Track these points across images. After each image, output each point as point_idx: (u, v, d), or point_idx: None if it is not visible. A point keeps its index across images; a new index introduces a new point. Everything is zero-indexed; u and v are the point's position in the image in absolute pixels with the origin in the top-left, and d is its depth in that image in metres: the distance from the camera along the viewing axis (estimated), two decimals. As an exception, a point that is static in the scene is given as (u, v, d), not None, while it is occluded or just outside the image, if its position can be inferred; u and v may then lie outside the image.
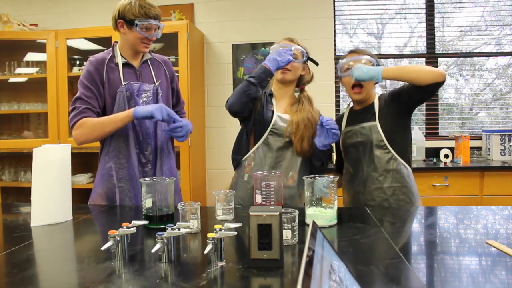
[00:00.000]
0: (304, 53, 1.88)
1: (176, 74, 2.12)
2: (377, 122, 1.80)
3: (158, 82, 1.88)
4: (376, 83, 1.92)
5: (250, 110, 1.81)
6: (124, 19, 1.76)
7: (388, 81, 3.50)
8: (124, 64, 1.83)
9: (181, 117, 1.84)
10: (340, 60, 1.90)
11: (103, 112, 1.82)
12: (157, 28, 1.80)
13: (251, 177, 1.78)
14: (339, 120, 2.00)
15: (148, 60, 1.90)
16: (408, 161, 1.82)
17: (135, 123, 1.80)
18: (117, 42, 1.88)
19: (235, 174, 1.90)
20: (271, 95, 1.91)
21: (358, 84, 1.81)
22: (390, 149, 1.78)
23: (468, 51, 3.68)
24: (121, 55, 1.84)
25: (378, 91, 2.11)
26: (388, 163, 1.78)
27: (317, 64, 1.93)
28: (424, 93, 1.70)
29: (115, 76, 1.80)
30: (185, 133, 1.79)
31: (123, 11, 1.75)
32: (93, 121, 1.74)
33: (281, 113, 1.85)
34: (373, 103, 1.86)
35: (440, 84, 1.65)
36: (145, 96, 1.83)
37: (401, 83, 1.80)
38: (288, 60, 1.77)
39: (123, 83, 1.79)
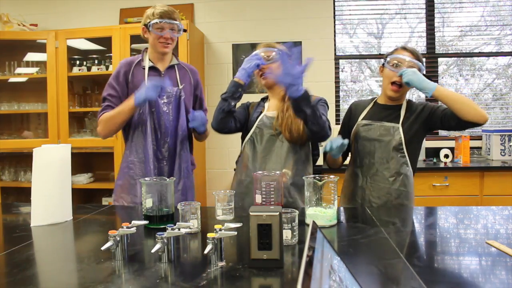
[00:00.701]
0: (278, 52, 1.81)
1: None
2: (399, 125, 1.82)
3: (182, 86, 1.98)
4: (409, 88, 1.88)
5: (234, 122, 1.85)
6: (145, 25, 1.92)
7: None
8: (150, 68, 1.95)
9: None
10: (390, 53, 1.84)
11: None
12: (173, 28, 1.90)
13: (248, 175, 1.80)
14: (359, 106, 1.96)
15: (175, 66, 2.02)
16: (415, 169, 1.86)
17: (155, 122, 1.91)
18: (147, 48, 2.01)
19: (233, 178, 1.93)
20: (265, 98, 1.96)
21: (399, 84, 1.79)
22: (406, 154, 1.81)
23: (468, 51, 3.68)
24: (149, 60, 1.97)
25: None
26: (401, 167, 1.80)
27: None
28: (458, 125, 1.72)
29: (140, 78, 1.93)
30: (200, 123, 1.89)
31: (145, 19, 1.92)
32: (107, 115, 1.89)
33: (269, 112, 1.88)
34: (400, 105, 1.86)
35: (478, 125, 1.69)
36: (166, 97, 1.93)
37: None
38: (255, 65, 1.76)
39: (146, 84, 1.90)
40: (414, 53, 1.81)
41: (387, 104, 1.88)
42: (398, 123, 1.82)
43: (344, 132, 1.97)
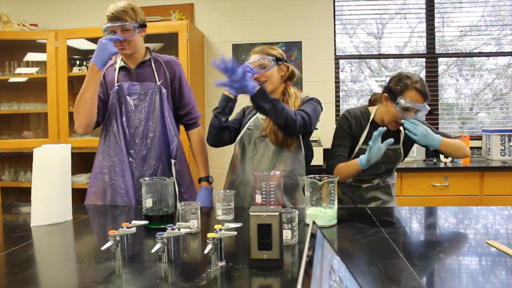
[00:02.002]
0: (272, 59, 1.79)
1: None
2: (400, 146, 1.88)
3: (160, 82, 1.89)
4: None
5: (229, 134, 1.87)
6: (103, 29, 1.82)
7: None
8: (121, 68, 1.92)
9: (190, 122, 2.01)
10: (402, 91, 1.73)
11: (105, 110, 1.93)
12: (127, 29, 1.77)
13: (237, 175, 1.84)
14: (357, 125, 1.90)
15: (151, 60, 1.92)
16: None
17: (123, 122, 1.86)
18: None
19: (225, 180, 1.94)
20: None
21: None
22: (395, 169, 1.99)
23: (468, 51, 3.68)
24: (122, 60, 1.93)
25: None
26: (394, 177, 1.99)
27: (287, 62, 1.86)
28: (438, 153, 1.86)
29: (112, 77, 1.91)
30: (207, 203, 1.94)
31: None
32: (75, 103, 1.82)
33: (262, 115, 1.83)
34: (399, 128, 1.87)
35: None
36: (136, 95, 1.87)
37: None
38: (239, 77, 1.62)
39: (116, 84, 1.89)
40: (425, 96, 1.75)
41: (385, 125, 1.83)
42: (399, 143, 1.88)
43: (346, 143, 1.89)
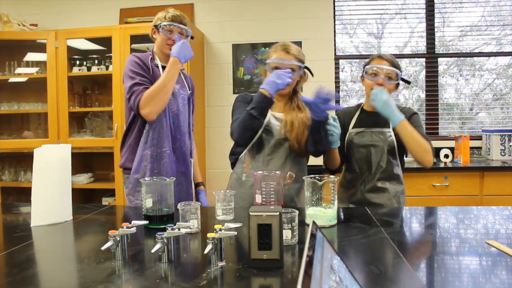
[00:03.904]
0: (301, 65, 1.83)
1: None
2: (391, 129, 1.87)
3: (190, 91, 2.07)
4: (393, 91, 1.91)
5: None
6: (155, 26, 1.95)
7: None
8: (162, 67, 1.96)
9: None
10: (368, 63, 1.90)
11: None
12: (181, 33, 1.94)
13: (250, 176, 1.79)
14: (347, 114, 1.99)
15: (180, 70, 2.01)
16: (403, 169, 1.95)
17: (170, 118, 1.92)
18: (152, 48, 2.02)
19: (232, 174, 1.91)
20: None
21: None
22: (397, 156, 1.89)
23: (468, 51, 3.68)
24: (159, 60, 1.99)
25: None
26: (394, 168, 1.88)
27: (312, 74, 1.91)
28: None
29: (157, 74, 1.92)
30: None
31: (156, 20, 1.95)
32: (152, 91, 1.81)
33: (275, 112, 1.86)
34: None
35: (422, 165, 1.79)
36: (181, 98, 1.98)
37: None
38: (287, 83, 1.73)
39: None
40: (390, 61, 1.85)
41: (375, 111, 1.84)
42: (389, 127, 1.88)
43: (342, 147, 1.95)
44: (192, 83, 2.14)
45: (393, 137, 1.86)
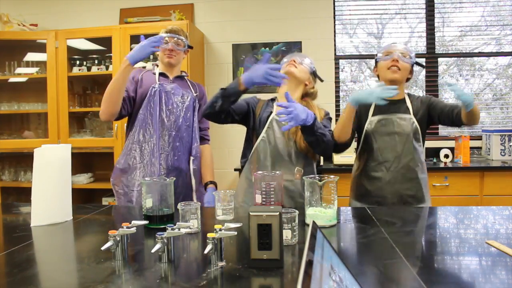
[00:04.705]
0: (312, 68, 1.99)
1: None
2: (412, 116, 1.87)
3: (196, 95, 2.12)
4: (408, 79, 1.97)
5: (225, 117, 1.79)
6: None
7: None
8: (160, 74, 2.08)
9: (205, 138, 2.22)
10: (381, 50, 1.94)
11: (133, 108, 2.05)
12: (178, 44, 2.06)
13: None
14: (363, 106, 1.91)
15: (184, 77, 2.16)
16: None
17: (163, 114, 2.00)
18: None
19: (241, 174, 1.94)
20: (273, 99, 1.97)
21: (396, 66, 1.85)
22: (422, 143, 1.90)
23: (468, 51, 3.68)
24: (160, 69, 2.12)
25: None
26: (421, 156, 1.89)
27: (321, 80, 2.07)
28: (453, 124, 1.84)
29: (150, 80, 2.04)
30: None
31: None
32: (105, 92, 1.91)
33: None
34: (404, 98, 1.92)
35: (468, 126, 1.81)
36: (181, 97, 2.05)
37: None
38: (265, 79, 1.66)
39: (157, 82, 2.03)
40: (403, 45, 1.92)
41: (392, 99, 1.83)
42: (410, 114, 1.88)
43: (360, 134, 1.96)
44: (202, 91, 2.21)
45: (417, 124, 1.86)
